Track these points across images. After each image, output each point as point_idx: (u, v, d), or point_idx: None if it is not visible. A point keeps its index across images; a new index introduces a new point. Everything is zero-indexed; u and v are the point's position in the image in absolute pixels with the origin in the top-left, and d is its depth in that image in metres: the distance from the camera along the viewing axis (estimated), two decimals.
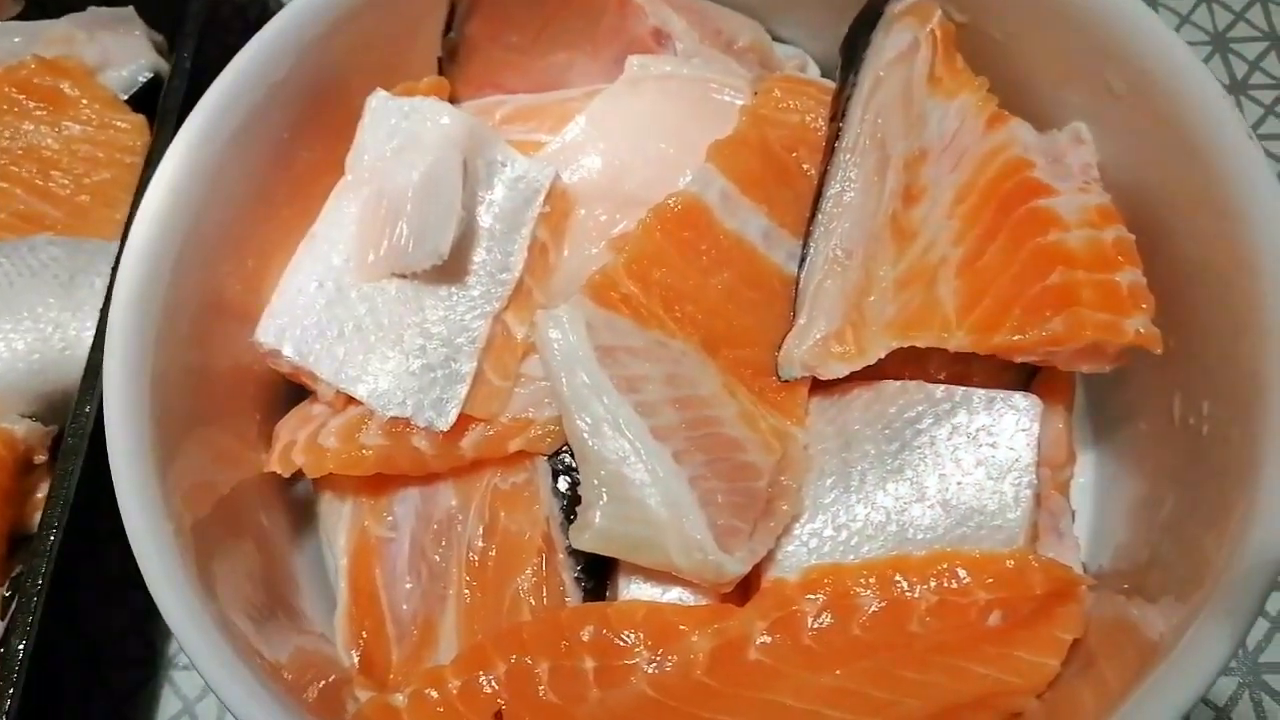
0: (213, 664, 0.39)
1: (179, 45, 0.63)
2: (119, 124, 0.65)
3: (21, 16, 0.72)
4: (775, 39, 0.63)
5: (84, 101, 0.65)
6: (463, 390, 0.48)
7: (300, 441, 0.49)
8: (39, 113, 0.64)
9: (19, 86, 0.65)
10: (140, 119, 0.66)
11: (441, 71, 0.58)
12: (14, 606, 0.51)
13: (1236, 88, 0.71)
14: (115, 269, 0.47)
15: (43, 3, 0.71)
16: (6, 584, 0.54)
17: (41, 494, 0.57)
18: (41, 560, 0.48)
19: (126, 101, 0.67)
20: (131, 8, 0.70)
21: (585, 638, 0.44)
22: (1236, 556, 0.38)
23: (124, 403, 0.42)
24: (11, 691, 0.46)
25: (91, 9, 0.70)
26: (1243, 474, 0.41)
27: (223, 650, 0.39)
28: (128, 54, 0.68)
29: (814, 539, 0.47)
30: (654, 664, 0.44)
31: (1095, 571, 0.51)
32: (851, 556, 0.46)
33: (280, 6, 0.53)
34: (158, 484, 0.42)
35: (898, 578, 0.45)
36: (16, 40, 0.68)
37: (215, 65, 0.50)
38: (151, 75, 0.69)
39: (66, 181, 0.64)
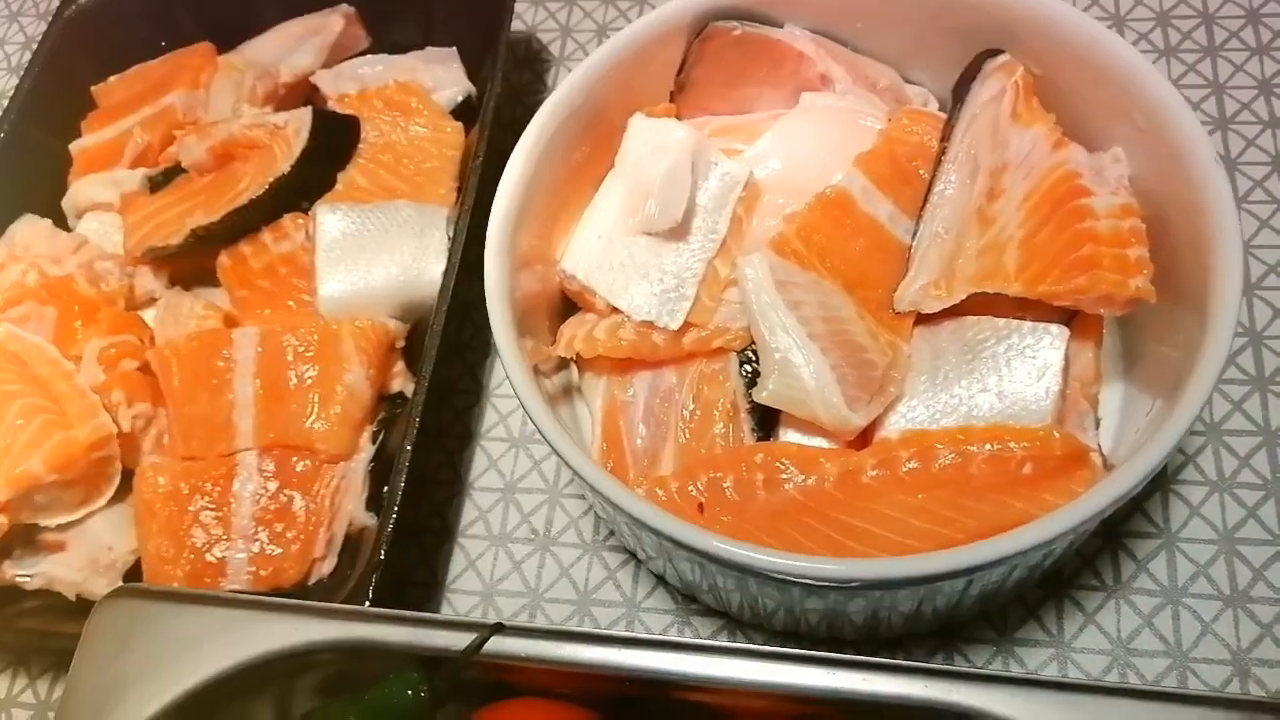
0: (527, 392, 0.58)
1: (489, 77, 0.82)
2: (446, 129, 0.82)
3: (370, 50, 0.95)
4: (907, 81, 0.73)
5: (423, 112, 0.82)
6: (687, 306, 0.62)
7: (580, 335, 0.65)
8: (395, 119, 0.85)
9: (384, 101, 0.85)
10: (459, 125, 0.83)
11: (671, 99, 0.72)
12: (380, 436, 0.76)
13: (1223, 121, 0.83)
14: (461, 226, 0.70)
15: (394, 41, 0.93)
16: (377, 423, 0.78)
17: (396, 369, 0.79)
18: (420, 396, 0.72)
19: (450, 114, 0.84)
20: (455, 49, 0.89)
21: (758, 461, 0.58)
22: (1162, 433, 0.53)
23: (500, 303, 0.61)
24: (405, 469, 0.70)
25: (428, 48, 0.91)
26: (1182, 382, 0.53)
27: (534, 390, 0.59)
28: (450, 80, 0.86)
29: (910, 412, 0.60)
30: (801, 479, 0.57)
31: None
32: (934, 425, 0.58)
33: (528, 42, 0.78)
34: (519, 343, 0.61)
35: (964, 439, 0.56)
36: (379, 68, 0.90)
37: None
38: (465, 96, 0.87)
39: (411, 166, 0.81)
